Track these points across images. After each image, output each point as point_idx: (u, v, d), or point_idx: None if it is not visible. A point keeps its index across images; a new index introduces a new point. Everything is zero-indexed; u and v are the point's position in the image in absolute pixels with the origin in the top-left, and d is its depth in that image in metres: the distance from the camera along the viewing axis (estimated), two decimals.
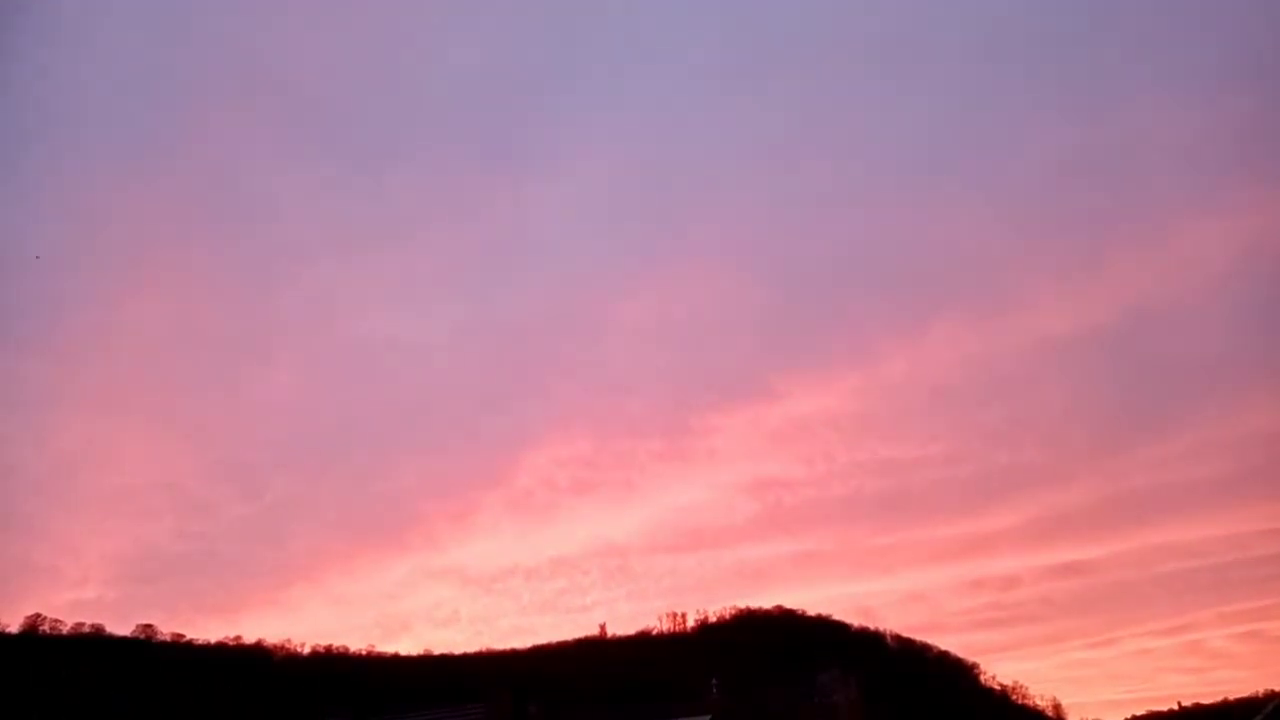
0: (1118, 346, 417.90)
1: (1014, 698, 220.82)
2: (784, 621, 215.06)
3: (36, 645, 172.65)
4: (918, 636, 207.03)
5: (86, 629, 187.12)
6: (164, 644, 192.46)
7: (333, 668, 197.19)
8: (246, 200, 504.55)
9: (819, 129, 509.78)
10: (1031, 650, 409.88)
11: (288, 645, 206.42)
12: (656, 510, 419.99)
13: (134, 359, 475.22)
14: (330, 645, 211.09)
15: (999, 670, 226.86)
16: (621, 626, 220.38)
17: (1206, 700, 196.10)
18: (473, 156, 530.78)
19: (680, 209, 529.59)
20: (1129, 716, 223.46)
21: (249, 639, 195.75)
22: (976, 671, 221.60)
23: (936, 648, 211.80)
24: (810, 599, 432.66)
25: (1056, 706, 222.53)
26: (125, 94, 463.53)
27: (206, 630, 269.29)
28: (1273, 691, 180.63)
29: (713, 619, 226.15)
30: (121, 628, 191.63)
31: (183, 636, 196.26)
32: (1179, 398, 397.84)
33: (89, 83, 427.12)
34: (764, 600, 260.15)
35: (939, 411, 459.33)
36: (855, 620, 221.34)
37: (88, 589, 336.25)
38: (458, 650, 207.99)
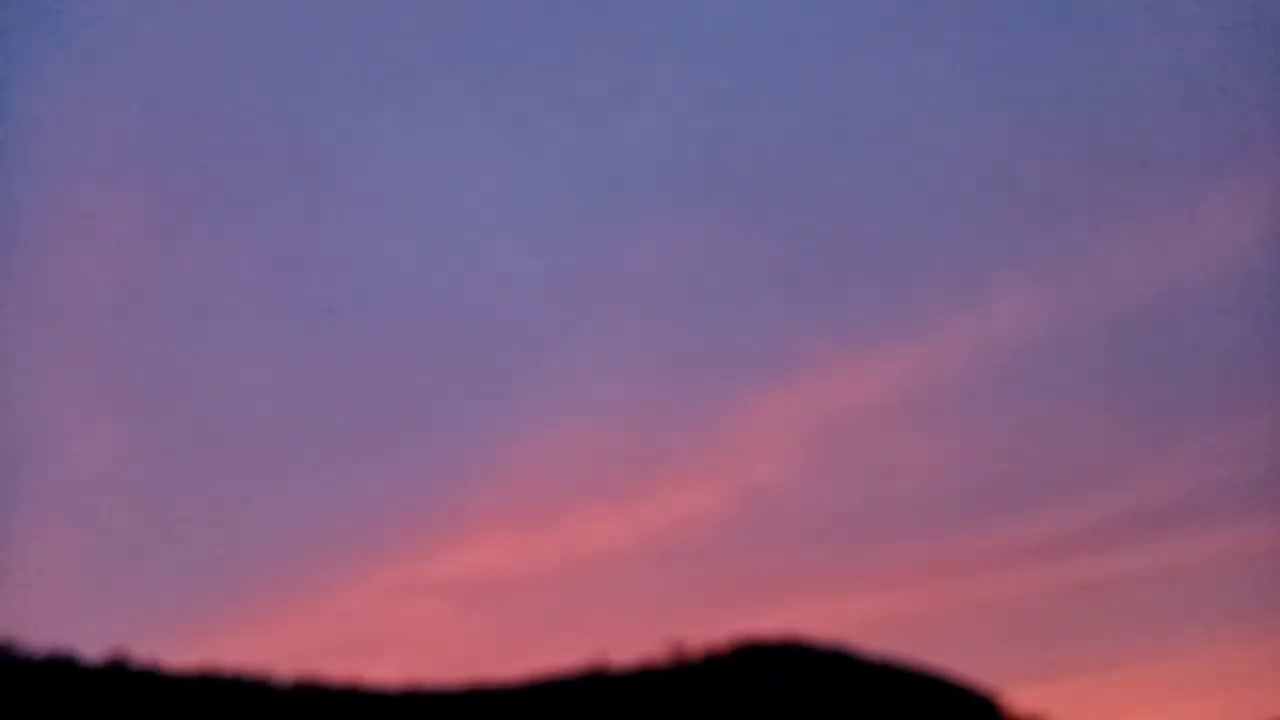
0: (1207, 315, 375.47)
1: None
2: (795, 652, 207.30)
3: (3, 670, 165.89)
4: (933, 660, 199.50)
5: (56, 654, 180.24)
6: (138, 673, 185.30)
7: (315, 700, 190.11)
8: (206, 112, 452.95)
9: (856, 56, 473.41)
10: (1064, 672, 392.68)
11: (268, 674, 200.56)
12: (668, 514, 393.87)
13: (69, 323, 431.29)
14: (313, 676, 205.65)
15: (1028, 695, 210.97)
16: (623, 652, 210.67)
17: None
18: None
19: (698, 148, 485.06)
20: None
21: (225, 661, 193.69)
22: (999, 702, 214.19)
23: (957, 676, 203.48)
24: (831, 618, 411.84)
25: None
26: None
27: (174, 648, 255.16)
28: (1277, 718, 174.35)
29: (719, 648, 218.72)
30: (82, 645, 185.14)
31: (158, 665, 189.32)
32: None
33: None
34: (779, 621, 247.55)
35: (998, 396, 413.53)
36: (874, 645, 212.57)
37: (27, 597, 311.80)
38: (446, 680, 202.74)
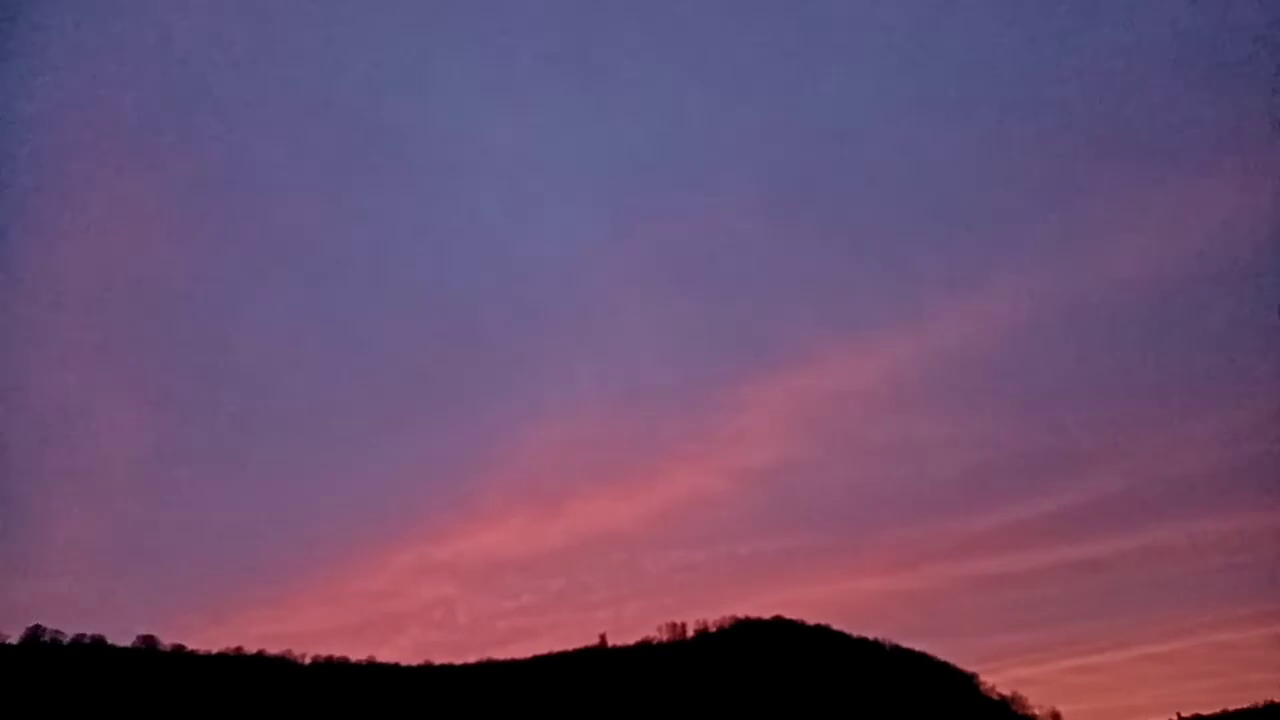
0: (1201, 303, 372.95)
1: (1015, 708, 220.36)
2: (783, 630, 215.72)
3: (38, 655, 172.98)
4: (920, 643, 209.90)
5: (88, 639, 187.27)
6: (165, 654, 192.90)
7: (334, 678, 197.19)
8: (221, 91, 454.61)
9: (860, 44, 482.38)
10: (1044, 654, 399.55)
11: (288, 655, 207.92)
12: (671, 499, 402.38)
13: (96, 315, 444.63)
14: (330, 655, 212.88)
15: (1012, 675, 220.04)
16: (624, 632, 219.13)
17: (1206, 710, 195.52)
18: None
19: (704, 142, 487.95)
20: None
21: (247, 643, 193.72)
22: (977, 681, 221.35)
23: (936, 657, 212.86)
24: (818, 598, 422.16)
25: (1055, 715, 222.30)
26: None
27: (201, 634, 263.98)
28: (1272, 701, 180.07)
29: (712, 629, 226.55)
30: (113, 632, 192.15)
31: (184, 647, 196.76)
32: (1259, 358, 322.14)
33: None
34: (770, 601, 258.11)
35: (994, 383, 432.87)
36: (857, 626, 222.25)
37: (59, 583, 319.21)
38: (458, 659, 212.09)
